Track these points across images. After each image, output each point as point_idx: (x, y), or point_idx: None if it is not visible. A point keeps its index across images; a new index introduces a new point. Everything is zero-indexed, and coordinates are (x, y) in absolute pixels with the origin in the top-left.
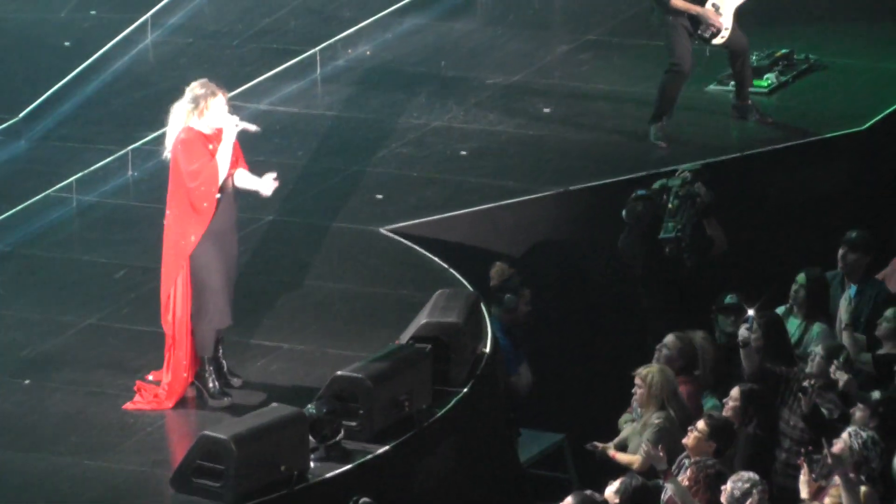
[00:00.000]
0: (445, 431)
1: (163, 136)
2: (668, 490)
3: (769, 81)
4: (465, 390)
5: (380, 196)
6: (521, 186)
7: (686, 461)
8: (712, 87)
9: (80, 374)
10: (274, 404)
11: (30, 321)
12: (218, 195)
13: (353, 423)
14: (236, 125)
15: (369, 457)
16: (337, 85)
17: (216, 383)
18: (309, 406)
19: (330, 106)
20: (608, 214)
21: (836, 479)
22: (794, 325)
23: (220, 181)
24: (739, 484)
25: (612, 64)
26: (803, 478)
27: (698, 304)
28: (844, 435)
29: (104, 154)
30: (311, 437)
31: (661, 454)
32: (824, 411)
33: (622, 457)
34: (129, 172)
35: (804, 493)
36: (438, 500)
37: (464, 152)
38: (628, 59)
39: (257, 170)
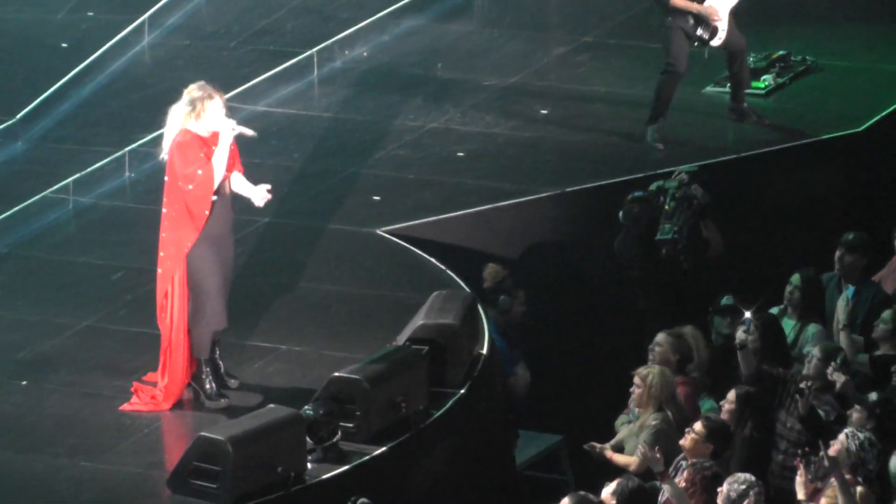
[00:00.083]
0: (442, 433)
1: (159, 137)
2: (665, 492)
3: (766, 83)
4: (462, 392)
5: (377, 198)
6: (517, 188)
7: (683, 463)
8: (709, 89)
9: (77, 375)
10: (271, 406)
11: (27, 322)
12: (214, 198)
13: (350, 425)
14: (233, 129)
15: (366, 458)
16: (334, 86)
17: (213, 385)
18: (306, 407)
19: (327, 107)
20: (605, 216)
21: (833, 480)
22: (788, 326)
23: (216, 184)
24: (736, 486)
25: (608, 66)
26: (799, 479)
27: (695, 305)
28: (841, 436)
29: (101, 155)
30: (308, 439)
31: (658, 456)
32: (821, 413)
33: (619, 458)
34: (126, 174)
35: (800, 494)
36: (435, 501)
37: (461, 154)
38: (625, 60)
39: (254, 172)
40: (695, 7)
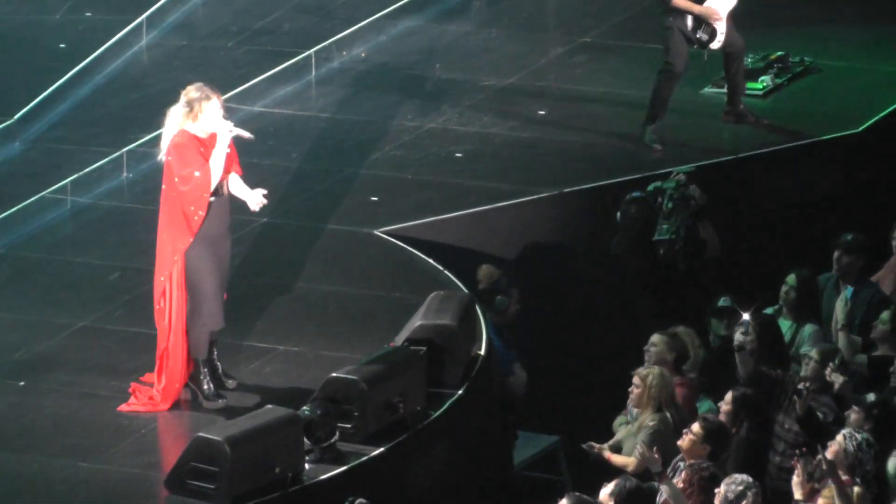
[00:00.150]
0: (439, 434)
1: (157, 138)
2: (663, 492)
3: (764, 84)
4: (460, 392)
5: (374, 198)
6: (515, 188)
7: (681, 464)
8: (707, 90)
9: (74, 375)
10: (268, 406)
11: (24, 323)
12: (212, 199)
13: (348, 425)
14: (230, 131)
15: (364, 459)
16: (331, 87)
17: (211, 385)
18: (303, 408)
19: (324, 108)
20: (602, 217)
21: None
22: (784, 327)
23: (213, 186)
24: (733, 486)
25: (606, 66)
26: (796, 479)
27: (692, 306)
28: (839, 437)
29: (98, 156)
30: (305, 439)
31: (655, 456)
32: (819, 414)
33: (617, 459)
34: (124, 174)
35: (797, 494)
36: (433, 501)
37: (458, 154)
38: (623, 61)
39: (251, 173)
40: (695, 8)
